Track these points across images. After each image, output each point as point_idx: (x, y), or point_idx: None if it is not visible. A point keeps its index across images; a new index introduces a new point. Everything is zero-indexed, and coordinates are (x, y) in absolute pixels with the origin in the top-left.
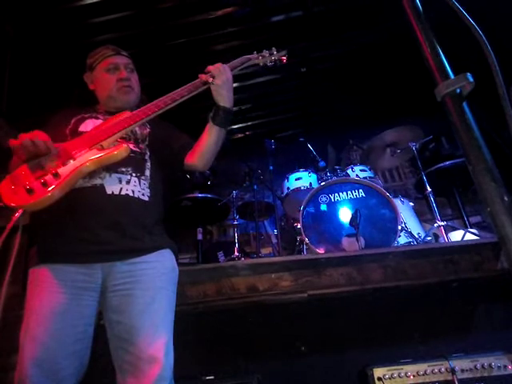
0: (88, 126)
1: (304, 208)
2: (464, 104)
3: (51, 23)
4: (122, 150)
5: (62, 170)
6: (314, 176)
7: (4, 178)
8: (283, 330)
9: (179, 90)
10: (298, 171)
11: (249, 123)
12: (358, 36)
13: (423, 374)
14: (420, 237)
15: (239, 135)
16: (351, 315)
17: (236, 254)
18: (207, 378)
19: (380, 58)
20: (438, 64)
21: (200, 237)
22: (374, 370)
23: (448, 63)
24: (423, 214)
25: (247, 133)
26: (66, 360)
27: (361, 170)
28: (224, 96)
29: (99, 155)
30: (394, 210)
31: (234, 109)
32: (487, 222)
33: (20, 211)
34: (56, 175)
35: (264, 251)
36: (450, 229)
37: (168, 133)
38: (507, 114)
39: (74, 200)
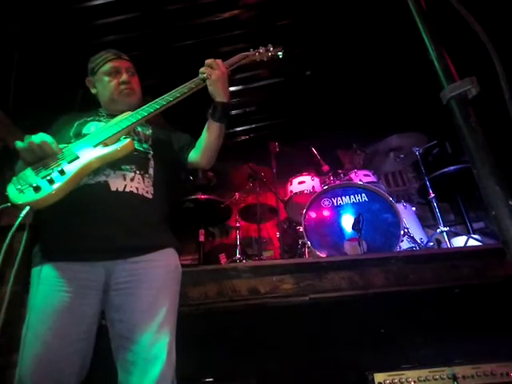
0: (91, 128)
1: (306, 211)
2: (469, 107)
3: (59, 23)
4: (126, 145)
5: (68, 168)
6: (317, 180)
7: (10, 180)
8: (284, 332)
9: (180, 87)
10: (302, 175)
11: (253, 126)
12: (363, 39)
13: (424, 380)
14: (422, 242)
15: (243, 137)
16: (352, 319)
17: (238, 256)
18: (206, 380)
19: (385, 62)
20: (443, 67)
21: (202, 238)
22: (375, 375)
23: (453, 67)
24: (426, 220)
25: (251, 135)
26: (68, 359)
27: (364, 175)
28: (220, 90)
29: (103, 152)
30: (396, 215)
31: (238, 112)
32: (490, 229)
33: (27, 209)
34: (62, 173)
35: (266, 254)
36: (452, 234)
37: (169, 133)
38: None
39: (78, 197)
